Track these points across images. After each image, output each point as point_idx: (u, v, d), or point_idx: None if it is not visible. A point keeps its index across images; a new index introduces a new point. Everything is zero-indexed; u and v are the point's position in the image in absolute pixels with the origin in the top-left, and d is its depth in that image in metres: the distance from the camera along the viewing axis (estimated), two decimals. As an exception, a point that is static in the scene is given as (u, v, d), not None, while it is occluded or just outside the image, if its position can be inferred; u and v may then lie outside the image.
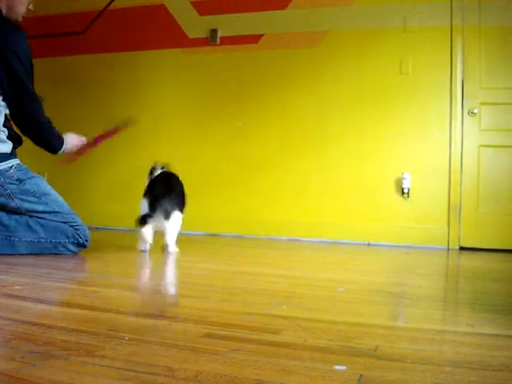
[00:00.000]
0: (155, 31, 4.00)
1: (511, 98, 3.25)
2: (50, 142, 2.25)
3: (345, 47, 3.57)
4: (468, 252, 3.16)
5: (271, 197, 3.68)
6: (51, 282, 1.57)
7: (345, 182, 3.53)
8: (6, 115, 2.12)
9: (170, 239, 2.43)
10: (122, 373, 0.74)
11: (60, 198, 2.25)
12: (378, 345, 0.94)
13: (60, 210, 2.20)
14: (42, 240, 2.16)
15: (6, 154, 2.13)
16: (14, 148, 2.19)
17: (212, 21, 3.86)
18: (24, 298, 1.26)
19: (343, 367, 0.80)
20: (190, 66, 3.92)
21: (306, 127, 3.64)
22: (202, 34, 3.89)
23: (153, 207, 2.34)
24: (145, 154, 3.94)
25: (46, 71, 4.01)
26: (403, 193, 3.39)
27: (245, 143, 3.76)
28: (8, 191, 2.10)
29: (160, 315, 1.19)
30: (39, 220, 2.16)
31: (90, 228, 2.33)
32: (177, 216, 2.38)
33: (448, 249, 3.28)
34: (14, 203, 2.11)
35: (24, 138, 2.26)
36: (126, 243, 3.03)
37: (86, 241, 2.26)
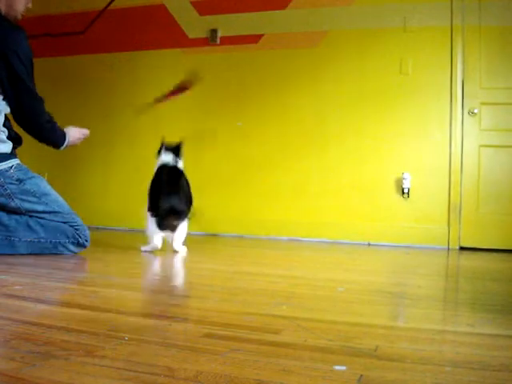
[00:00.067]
0: (155, 31, 4.00)
1: (511, 98, 3.25)
2: (53, 138, 2.27)
3: (345, 47, 3.57)
4: (468, 252, 3.16)
5: (271, 197, 3.68)
6: (51, 282, 1.57)
7: (345, 182, 3.53)
8: (6, 115, 2.12)
9: (177, 245, 2.48)
10: (121, 373, 0.74)
11: (60, 198, 2.25)
12: (378, 345, 0.94)
13: (60, 210, 2.20)
14: (42, 240, 2.16)
15: (6, 154, 2.13)
16: (13, 148, 2.19)
17: (212, 21, 3.86)
18: (24, 298, 1.26)
19: (343, 367, 0.80)
20: (190, 66, 3.91)
21: (306, 127, 3.64)
22: (202, 33, 3.89)
23: (161, 226, 2.36)
24: (145, 154, 3.93)
25: (46, 71, 4.00)
26: (403, 193, 3.39)
27: (245, 143, 3.76)
28: (8, 191, 2.10)
29: (160, 315, 1.19)
30: (39, 220, 2.16)
31: (89, 228, 2.33)
32: (183, 225, 2.43)
33: (448, 249, 3.28)
34: (14, 203, 2.11)
35: (24, 138, 2.26)
36: (126, 243, 3.04)
37: (86, 241, 2.26)
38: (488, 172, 3.28)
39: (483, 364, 0.84)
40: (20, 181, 2.13)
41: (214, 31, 3.84)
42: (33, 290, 1.39)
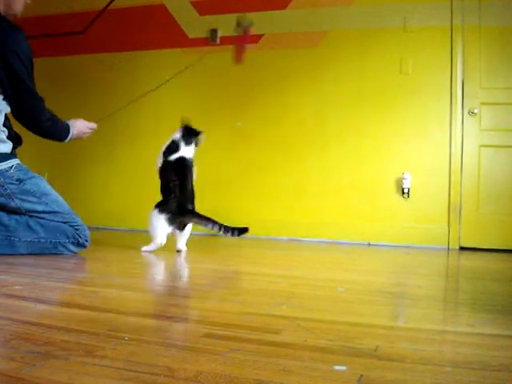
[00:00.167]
0: (155, 31, 4.00)
1: (511, 98, 3.25)
2: (55, 134, 2.28)
3: (345, 47, 3.57)
4: (468, 252, 3.16)
5: (271, 197, 3.68)
6: (51, 282, 1.57)
7: (345, 182, 3.53)
8: (6, 114, 2.12)
9: (183, 244, 2.49)
10: (121, 373, 0.74)
11: (60, 198, 2.25)
12: (378, 345, 0.94)
13: (60, 210, 2.20)
14: (42, 240, 2.16)
15: (6, 153, 2.13)
16: (13, 148, 2.19)
17: (212, 21, 3.86)
18: (24, 298, 1.26)
19: (343, 367, 0.80)
20: (191, 66, 3.91)
21: (306, 127, 3.64)
22: (202, 33, 3.89)
23: (173, 222, 2.37)
24: (145, 154, 3.94)
25: (46, 71, 4.01)
26: (403, 193, 3.39)
27: (245, 143, 3.76)
28: (8, 191, 2.10)
29: (160, 315, 1.19)
30: (39, 220, 2.16)
31: (89, 228, 2.33)
32: (190, 225, 2.47)
33: (448, 249, 3.28)
34: (14, 203, 2.11)
35: (24, 138, 2.26)
36: (126, 243, 3.03)
37: (86, 241, 2.26)
38: (488, 172, 3.28)
39: (483, 364, 0.84)
40: (20, 181, 2.13)
41: (213, 31, 3.84)
42: (33, 290, 1.39)
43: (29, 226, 2.14)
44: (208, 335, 0.98)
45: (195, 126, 2.60)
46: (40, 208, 2.16)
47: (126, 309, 1.22)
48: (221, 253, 2.79)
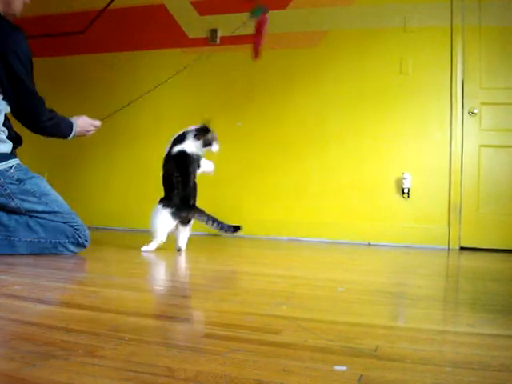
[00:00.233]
0: (155, 31, 4.00)
1: (511, 98, 3.25)
2: (58, 133, 2.28)
3: (345, 47, 3.57)
4: (468, 252, 3.16)
5: (271, 197, 3.68)
6: (51, 282, 1.57)
7: (345, 182, 3.53)
8: (6, 114, 2.12)
9: (183, 242, 2.50)
10: (121, 373, 0.74)
11: (60, 198, 2.25)
12: (379, 345, 0.94)
13: (60, 210, 2.20)
14: (42, 240, 2.16)
15: (6, 153, 2.13)
16: (13, 148, 2.19)
17: (212, 21, 3.86)
18: (24, 298, 1.26)
19: (343, 367, 0.80)
20: (190, 66, 3.91)
21: (306, 127, 3.64)
22: (202, 33, 3.89)
23: (176, 216, 2.37)
24: (145, 154, 3.94)
25: (46, 71, 4.01)
26: (403, 193, 3.39)
27: (245, 143, 3.76)
28: (8, 191, 2.09)
29: (160, 315, 1.19)
30: (39, 220, 2.16)
31: (89, 228, 2.33)
32: (192, 222, 2.47)
33: (448, 249, 3.28)
34: (14, 203, 2.11)
35: (24, 138, 2.26)
36: (126, 243, 3.03)
37: (86, 241, 2.26)
38: (488, 172, 3.28)
39: (483, 364, 0.84)
40: (20, 181, 2.12)
41: (213, 31, 3.84)
42: (33, 290, 1.39)
43: (29, 226, 2.14)
44: (208, 335, 0.98)
45: (195, 124, 2.60)
46: (40, 208, 2.16)
47: (126, 309, 1.22)
48: (221, 253, 2.79)
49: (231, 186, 3.78)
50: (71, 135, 2.30)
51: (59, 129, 2.25)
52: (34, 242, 2.14)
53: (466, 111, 3.32)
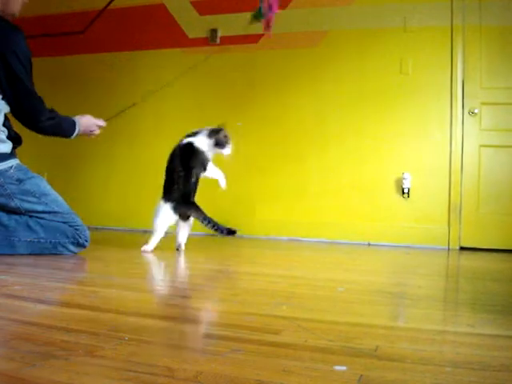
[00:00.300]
0: (155, 31, 4.00)
1: (511, 97, 3.25)
2: (59, 132, 2.27)
3: (345, 47, 3.57)
4: (468, 252, 3.16)
5: (271, 197, 3.68)
6: (51, 282, 1.57)
7: (345, 182, 3.53)
8: (5, 114, 2.12)
9: (183, 240, 2.51)
10: (121, 373, 0.74)
11: (60, 198, 2.25)
12: (379, 345, 0.94)
13: (60, 210, 2.20)
14: (42, 240, 2.16)
15: (6, 153, 2.13)
16: (13, 148, 2.19)
17: (212, 21, 3.85)
18: (24, 298, 1.25)
19: (343, 367, 0.80)
20: (190, 66, 3.91)
21: (306, 127, 3.64)
22: (202, 33, 3.89)
23: (176, 211, 2.38)
24: (145, 154, 3.94)
25: (46, 71, 4.01)
26: (403, 193, 3.39)
27: (245, 143, 3.76)
28: (8, 191, 2.09)
29: (160, 315, 1.19)
30: (39, 220, 2.16)
31: (89, 228, 2.33)
32: (192, 219, 2.49)
33: (448, 249, 3.28)
34: (14, 203, 2.11)
35: (24, 138, 2.26)
36: (126, 243, 3.03)
37: (86, 241, 2.26)
38: (488, 172, 3.28)
39: (483, 364, 0.84)
40: (20, 181, 2.12)
41: (213, 31, 3.84)
42: (33, 290, 1.39)
43: (28, 226, 2.14)
44: (208, 335, 0.98)
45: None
46: (40, 208, 2.16)
47: (126, 309, 1.22)
48: (221, 253, 2.79)
49: (231, 186, 3.76)
50: (74, 134, 2.29)
51: (61, 128, 2.25)
52: (33, 242, 2.14)
53: (466, 111, 3.32)
